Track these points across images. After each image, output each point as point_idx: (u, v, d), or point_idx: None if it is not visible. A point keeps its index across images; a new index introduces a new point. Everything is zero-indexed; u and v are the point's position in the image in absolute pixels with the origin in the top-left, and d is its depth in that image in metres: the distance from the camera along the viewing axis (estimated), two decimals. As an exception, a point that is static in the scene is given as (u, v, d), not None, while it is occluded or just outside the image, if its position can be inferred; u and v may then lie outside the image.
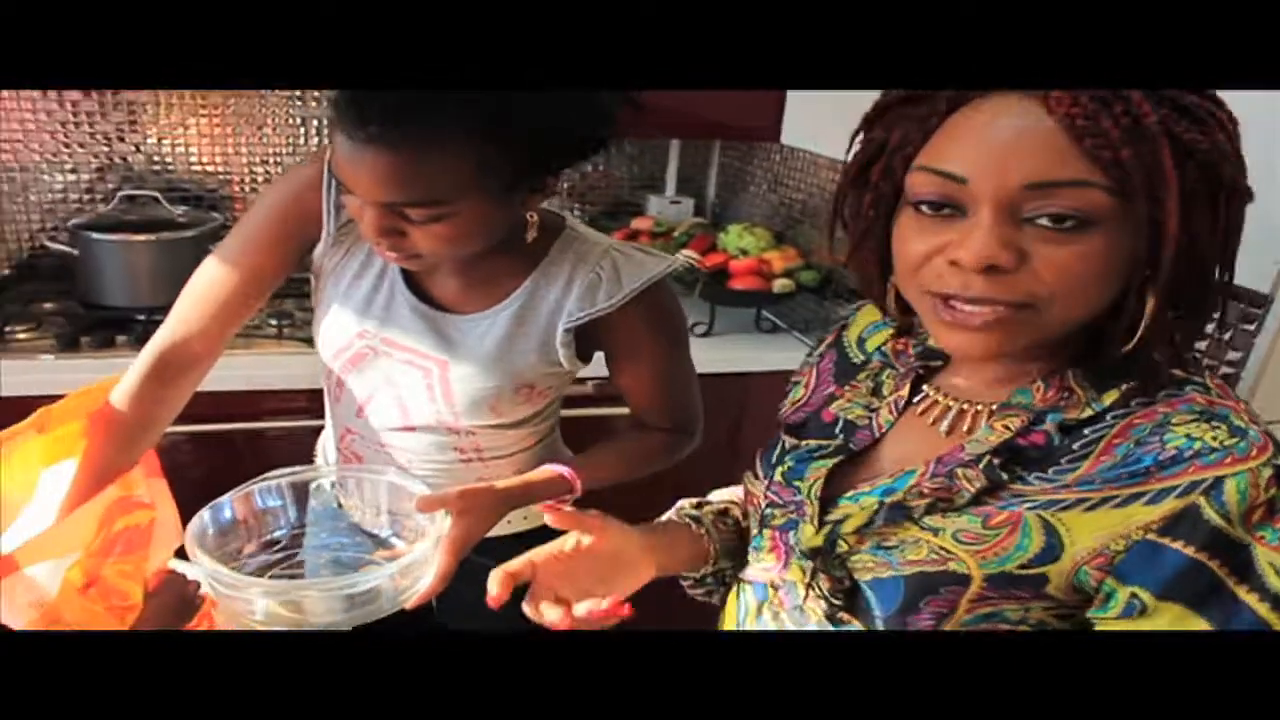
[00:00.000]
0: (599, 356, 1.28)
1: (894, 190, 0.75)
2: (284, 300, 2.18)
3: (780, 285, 2.22)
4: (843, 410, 0.89)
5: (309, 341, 1.95)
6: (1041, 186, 0.65)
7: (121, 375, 1.17)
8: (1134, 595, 0.67)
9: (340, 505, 1.31)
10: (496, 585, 0.85)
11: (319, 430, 1.44)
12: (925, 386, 0.85)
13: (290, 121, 2.40)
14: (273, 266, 1.18)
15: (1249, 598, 0.64)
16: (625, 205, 2.76)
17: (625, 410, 1.36)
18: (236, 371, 1.86)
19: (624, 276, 1.16)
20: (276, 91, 2.35)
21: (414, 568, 1.03)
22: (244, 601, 0.99)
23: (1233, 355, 1.23)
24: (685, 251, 2.31)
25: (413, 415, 1.23)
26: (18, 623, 0.95)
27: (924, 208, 0.71)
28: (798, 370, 1.00)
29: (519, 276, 1.17)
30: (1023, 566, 0.70)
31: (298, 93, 2.37)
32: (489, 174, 1.00)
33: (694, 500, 1.06)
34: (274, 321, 2.06)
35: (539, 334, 1.18)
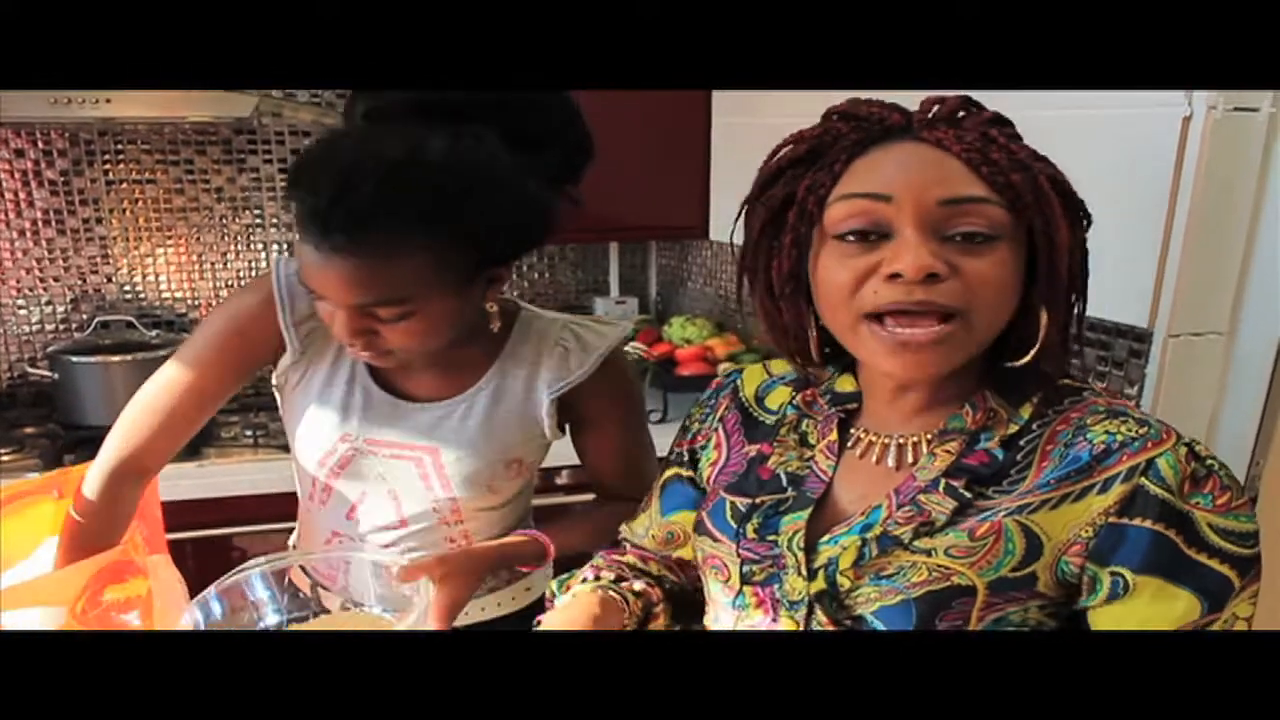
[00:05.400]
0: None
1: (810, 231, 0.81)
2: (259, 413, 2.31)
3: (724, 369, 2.37)
4: (780, 466, 0.92)
5: (283, 449, 2.05)
6: (954, 202, 0.74)
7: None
8: (1115, 575, 0.74)
9: (317, 594, 1.32)
10: None
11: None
12: (852, 430, 0.90)
13: (252, 247, 2.55)
14: (216, 388, 1.24)
15: (1200, 557, 0.72)
16: (574, 309, 2.90)
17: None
18: (217, 479, 1.96)
19: (589, 345, 1.24)
20: (237, 220, 2.52)
21: None
22: None
23: (1130, 390, 1.36)
24: (633, 344, 2.46)
25: (406, 508, 1.28)
26: None
27: (850, 237, 0.77)
28: (692, 436, 1.05)
29: (486, 360, 1.25)
30: (1014, 569, 0.76)
31: (258, 220, 2.53)
32: (448, 270, 1.06)
33: (602, 577, 1.05)
34: (249, 433, 2.17)
35: (517, 409, 1.24)
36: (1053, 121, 1.26)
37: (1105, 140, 1.25)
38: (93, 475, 1.23)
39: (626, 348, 2.44)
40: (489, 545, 1.23)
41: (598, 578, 1.04)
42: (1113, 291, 1.31)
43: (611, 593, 1.00)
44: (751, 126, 2.29)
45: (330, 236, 1.01)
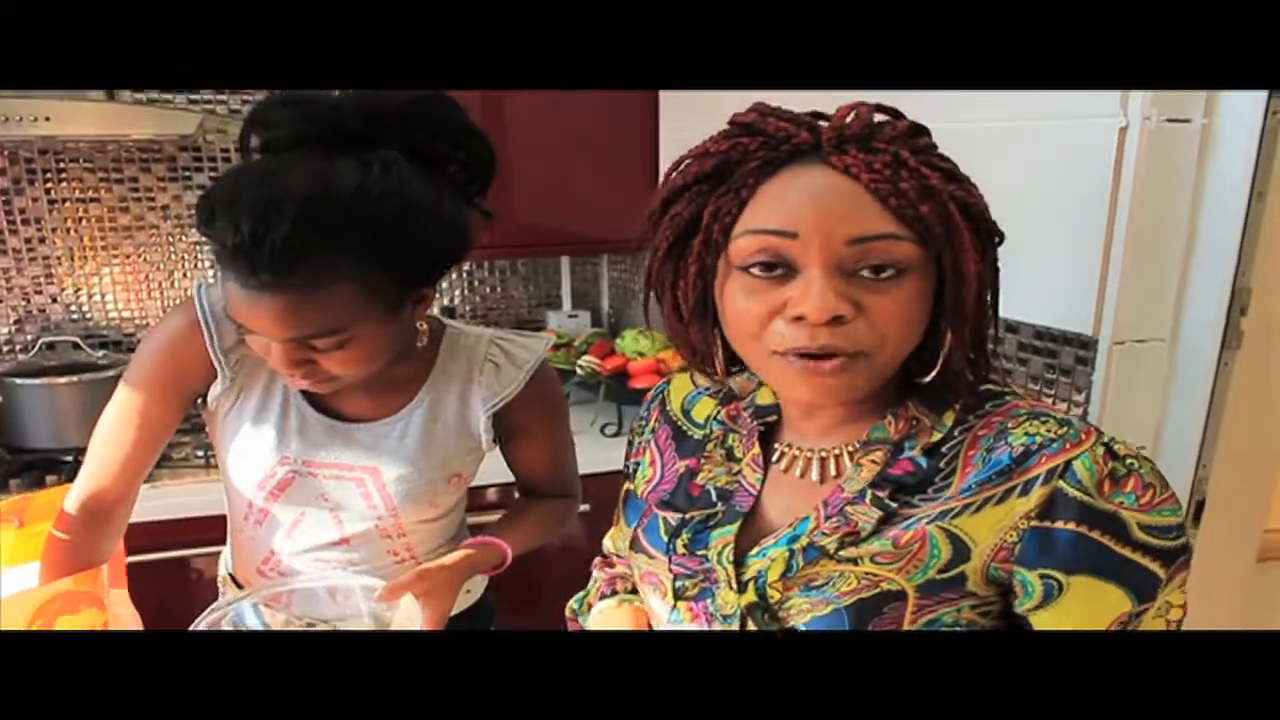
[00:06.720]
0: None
1: (716, 260, 0.79)
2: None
3: (677, 381, 2.39)
4: (709, 481, 0.93)
5: (236, 468, 2.03)
6: (861, 241, 0.72)
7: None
8: (1046, 577, 0.74)
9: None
10: None
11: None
12: (775, 444, 0.91)
13: (199, 265, 2.53)
14: (163, 415, 1.24)
15: (1127, 553, 0.73)
16: (527, 323, 2.92)
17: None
18: (170, 500, 1.94)
19: (518, 359, 1.30)
20: (184, 238, 2.49)
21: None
22: None
23: (1077, 397, 1.39)
24: (586, 358, 2.47)
25: (348, 527, 1.30)
26: None
27: (755, 270, 0.75)
28: (635, 450, 1.06)
29: (419, 378, 1.28)
30: (941, 571, 0.76)
31: (203, 238, 2.49)
32: (377, 296, 1.08)
33: (619, 590, 1.11)
34: (200, 454, 2.14)
35: (454, 424, 1.29)
36: (992, 133, 1.30)
37: (1045, 151, 1.28)
38: (68, 506, 1.23)
39: (580, 361, 2.46)
40: (458, 557, 1.25)
41: (614, 592, 1.07)
42: (1058, 300, 1.35)
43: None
44: (701, 137, 2.29)
45: (257, 275, 1.01)
